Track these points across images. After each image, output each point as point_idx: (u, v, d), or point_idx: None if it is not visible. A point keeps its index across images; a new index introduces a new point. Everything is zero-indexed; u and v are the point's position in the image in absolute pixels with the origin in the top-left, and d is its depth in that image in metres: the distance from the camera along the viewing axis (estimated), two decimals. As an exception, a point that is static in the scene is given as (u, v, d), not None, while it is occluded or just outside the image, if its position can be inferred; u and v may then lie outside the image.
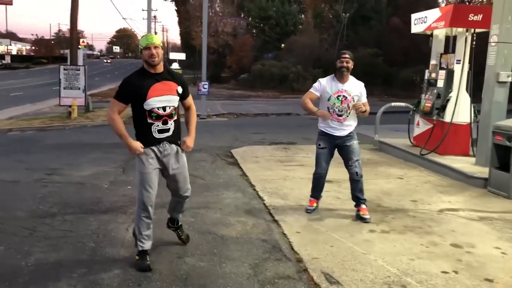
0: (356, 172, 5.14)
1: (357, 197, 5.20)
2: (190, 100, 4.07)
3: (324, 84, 5.12)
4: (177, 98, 3.85)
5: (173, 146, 3.89)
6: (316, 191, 5.41)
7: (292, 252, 4.16)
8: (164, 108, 3.76)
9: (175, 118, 3.87)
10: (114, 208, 5.47)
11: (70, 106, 16.01)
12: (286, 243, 4.38)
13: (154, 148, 3.80)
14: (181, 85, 3.89)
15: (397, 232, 4.73)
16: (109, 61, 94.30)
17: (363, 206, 5.17)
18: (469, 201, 6.00)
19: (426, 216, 5.29)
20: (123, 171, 7.53)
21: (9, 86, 34.08)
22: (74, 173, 7.42)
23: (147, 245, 3.87)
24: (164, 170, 3.90)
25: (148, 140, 3.78)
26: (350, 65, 5.01)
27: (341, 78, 5.07)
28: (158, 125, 3.77)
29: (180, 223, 4.33)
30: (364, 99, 5.18)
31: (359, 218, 5.10)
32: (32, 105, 21.26)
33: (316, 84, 5.19)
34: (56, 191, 6.28)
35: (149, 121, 3.75)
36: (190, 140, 3.98)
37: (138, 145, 3.74)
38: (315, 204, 5.39)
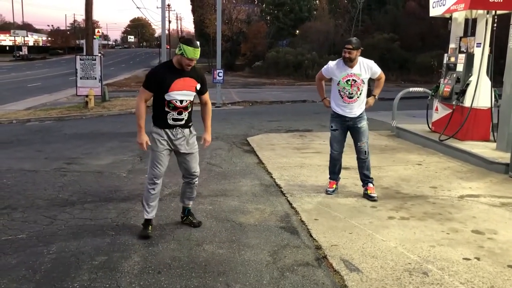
0: (365, 151, 5.36)
1: (365, 175, 5.39)
2: (207, 96, 4.43)
3: (332, 67, 5.28)
4: (194, 93, 4.22)
5: (186, 130, 4.27)
6: (333, 173, 5.61)
7: (310, 239, 4.15)
8: (181, 101, 4.13)
9: (189, 110, 4.24)
10: (132, 196, 5.50)
11: (86, 96, 16.15)
12: (305, 230, 4.36)
13: (168, 131, 4.18)
14: (201, 83, 4.24)
15: (417, 218, 4.68)
16: (102, 52, 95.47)
17: (370, 185, 5.37)
18: (490, 187, 5.90)
19: (446, 203, 5.21)
20: (141, 160, 7.58)
21: (26, 77, 34.53)
22: (92, 162, 7.49)
23: (152, 214, 4.32)
24: (176, 151, 4.29)
25: (163, 124, 4.17)
26: (354, 55, 5.10)
27: (348, 64, 5.18)
28: (174, 114, 4.14)
29: (189, 210, 4.58)
30: (378, 73, 5.29)
31: (367, 196, 5.30)
32: (49, 95, 21.51)
33: (325, 67, 5.40)
34: (75, 180, 6.35)
35: (166, 109, 4.12)
36: (208, 136, 4.48)
37: (144, 140, 4.16)
38: (334, 186, 5.58)
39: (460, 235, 4.24)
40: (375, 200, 5.20)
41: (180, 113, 4.14)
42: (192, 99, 4.22)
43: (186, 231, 4.36)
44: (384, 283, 3.30)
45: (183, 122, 4.19)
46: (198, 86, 4.21)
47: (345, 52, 5.08)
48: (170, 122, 4.13)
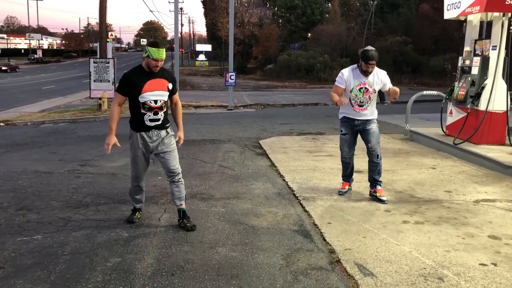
0: (377, 155, 5.30)
1: (374, 178, 5.36)
2: (177, 96, 4.61)
3: (348, 76, 5.21)
4: (167, 93, 4.40)
5: (162, 131, 4.46)
6: (346, 175, 5.64)
7: (324, 243, 4.12)
8: (155, 101, 4.31)
9: (164, 110, 4.43)
10: (145, 198, 5.51)
11: (100, 99, 16.30)
12: (318, 234, 4.33)
13: (144, 134, 4.40)
14: (172, 82, 4.46)
15: (432, 223, 4.62)
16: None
17: (379, 187, 5.35)
18: (507, 192, 5.81)
19: (462, 207, 5.15)
20: (153, 162, 7.58)
21: (41, 80, 34.96)
22: (105, 164, 7.54)
23: (138, 205, 4.77)
24: (154, 152, 4.51)
25: (140, 127, 4.38)
26: (374, 68, 5.13)
27: (365, 74, 5.16)
28: (150, 115, 4.33)
29: (184, 212, 4.58)
30: (388, 85, 5.18)
31: (377, 199, 5.28)
32: (63, 97, 21.77)
33: (339, 79, 5.26)
34: (89, 181, 6.39)
35: (142, 111, 4.32)
36: (181, 134, 4.62)
37: (112, 141, 4.45)
38: (347, 187, 5.62)
39: (476, 240, 4.18)
40: (385, 203, 5.19)
41: (156, 113, 4.32)
42: (166, 99, 4.40)
43: (199, 233, 4.36)
44: (399, 288, 3.26)
45: (159, 122, 4.37)
46: (170, 86, 4.40)
47: (368, 67, 5.05)
48: (148, 123, 4.33)
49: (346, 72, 5.23)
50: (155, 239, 4.23)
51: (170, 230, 4.45)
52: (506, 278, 3.42)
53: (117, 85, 4.44)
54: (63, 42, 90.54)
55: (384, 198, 5.25)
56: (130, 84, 4.26)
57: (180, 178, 4.53)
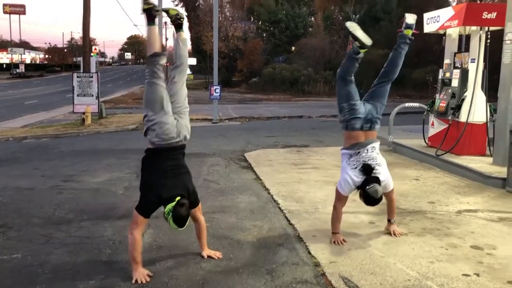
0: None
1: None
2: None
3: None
4: None
5: None
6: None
7: (309, 256, 4.12)
8: None
9: None
10: (129, 214, 5.41)
11: (83, 113, 16.15)
12: (303, 247, 4.33)
13: None
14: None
15: (416, 234, 4.66)
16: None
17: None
18: (488, 202, 5.90)
19: (445, 218, 5.20)
20: (137, 177, 7.51)
21: (23, 95, 34.55)
22: (89, 179, 7.46)
23: None
24: None
25: None
26: None
27: None
28: None
29: None
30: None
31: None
32: (46, 112, 21.51)
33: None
34: (71, 197, 6.31)
35: None
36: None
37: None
38: None
39: (459, 250, 4.22)
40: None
41: None
42: None
43: (183, 249, 4.32)
44: (384, 300, 3.27)
45: None
46: None
47: None
48: None
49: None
50: (138, 255, 4.17)
51: (154, 246, 4.41)
52: (489, 288, 3.45)
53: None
54: (46, 56, 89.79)
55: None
56: None
57: None
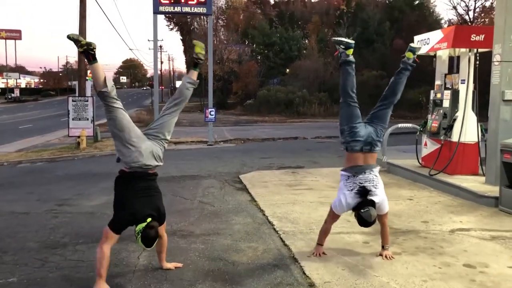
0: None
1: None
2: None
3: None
4: None
5: None
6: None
7: (304, 277, 4.14)
8: None
9: None
10: (124, 237, 5.40)
11: (78, 137, 16.20)
12: (298, 268, 4.36)
13: None
14: None
15: (409, 253, 4.70)
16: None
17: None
18: (481, 221, 5.96)
19: (438, 237, 5.25)
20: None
21: (18, 119, 34.59)
22: (84, 203, 7.47)
23: None
24: None
25: None
26: None
27: None
28: None
29: None
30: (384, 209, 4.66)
31: None
32: (41, 136, 21.52)
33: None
34: (66, 221, 6.31)
35: None
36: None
37: None
38: None
39: (452, 269, 4.26)
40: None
41: None
42: None
43: (179, 271, 4.34)
44: (378, 320, 3.29)
45: None
46: None
47: None
48: None
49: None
50: (134, 277, 4.20)
51: (150, 268, 4.43)
52: (482, 306, 3.49)
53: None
54: (41, 80, 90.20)
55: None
56: None
57: None
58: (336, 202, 4.50)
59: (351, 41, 4.66)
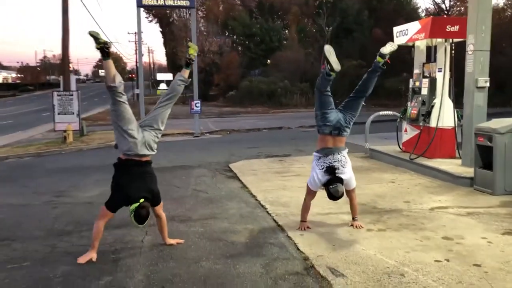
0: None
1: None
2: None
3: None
4: None
5: None
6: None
7: (298, 252, 4.53)
8: None
9: None
10: (125, 223, 5.73)
11: (65, 131, 16.29)
12: (292, 245, 4.74)
13: None
14: None
15: (393, 229, 5.12)
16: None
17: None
18: (457, 199, 6.43)
19: (419, 215, 5.69)
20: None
21: (-2, 115, 34.15)
22: (81, 194, 7.72)
23: None
24: None
25: None
26: None
27: None
28: None
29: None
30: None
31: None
32: (23, 132, 21.44)
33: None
34: (67, 211, 6.58)
35: None
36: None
37: None
38: None
39: (431, 241, 4.70)
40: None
41: None
42: None
43: (182, 251, 4.67)
44: (367, 285, 3.70)
45: None
46: None
47: None
48: None
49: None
50: (141, 258, 4.51)
51: (154, 249, 4.75)
52: (457, 270, 3.92)
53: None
54: (19, 75, 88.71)
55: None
56: None
57: None
58: (311, 179, 5.17)
59: (337, 69, 4.98)
